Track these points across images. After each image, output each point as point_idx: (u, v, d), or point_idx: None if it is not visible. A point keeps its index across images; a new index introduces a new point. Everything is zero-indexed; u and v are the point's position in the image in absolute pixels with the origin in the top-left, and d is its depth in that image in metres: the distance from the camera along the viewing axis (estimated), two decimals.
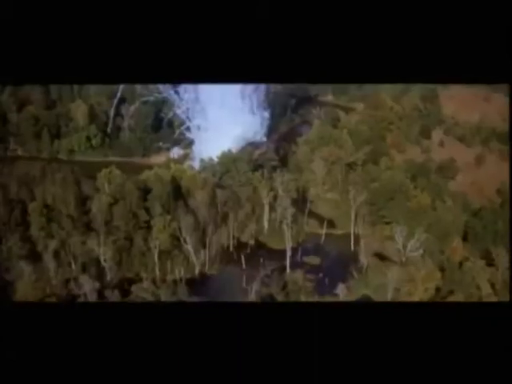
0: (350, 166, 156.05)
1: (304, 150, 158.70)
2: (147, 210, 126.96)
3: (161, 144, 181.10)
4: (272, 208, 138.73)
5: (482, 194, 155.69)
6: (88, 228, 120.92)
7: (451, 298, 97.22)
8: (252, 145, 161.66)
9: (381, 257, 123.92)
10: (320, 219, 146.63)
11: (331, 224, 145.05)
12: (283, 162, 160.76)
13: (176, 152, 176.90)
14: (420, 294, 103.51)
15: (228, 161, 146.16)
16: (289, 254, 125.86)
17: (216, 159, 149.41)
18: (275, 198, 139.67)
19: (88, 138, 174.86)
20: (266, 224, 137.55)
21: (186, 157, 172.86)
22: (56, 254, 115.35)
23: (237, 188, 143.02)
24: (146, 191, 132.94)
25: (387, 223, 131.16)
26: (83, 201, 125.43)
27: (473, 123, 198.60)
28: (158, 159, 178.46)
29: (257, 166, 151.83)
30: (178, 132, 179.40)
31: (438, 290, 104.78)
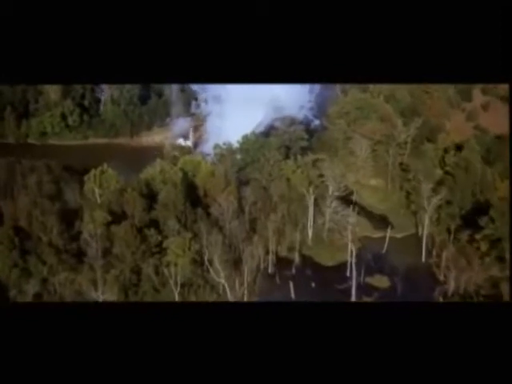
0: (399, 145, 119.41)
1: (340, 125, 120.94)
2: (156, 226, 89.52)
3: (168, 120, 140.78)
4: (316, 208, 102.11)
5: None
6: (79, 260, 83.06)
7: None
8: (284, 121, 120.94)
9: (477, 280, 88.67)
10: (370, 216, 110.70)
11: (385, 222, 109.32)
12: (313, 141, 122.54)
13: (177, 130, 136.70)
14: None
15: (253, 147, 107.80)
16: (354, 276, 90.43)
17: (237, 144, 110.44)
18: (314, 192, 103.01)
19: (63, 116, 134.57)
20: (310, 231, 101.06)
21: (194, 136, 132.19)
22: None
23: (267, 183, 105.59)
24: (151, 196, 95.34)
25: (477, 231, 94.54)
26: (69, 219, 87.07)
27: None
28: (151, 139, 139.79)
29: (284, 149, 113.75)
30: (182, 103, 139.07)
31: None
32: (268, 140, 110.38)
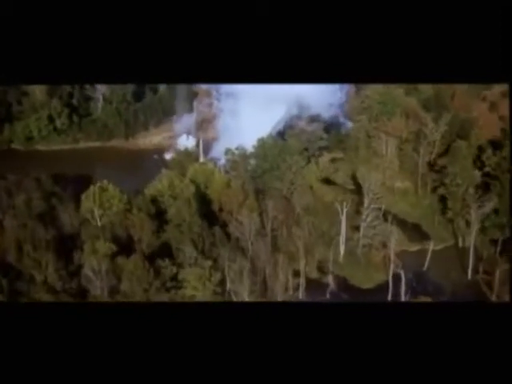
0: (429, 143, 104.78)
1: (361, 122, 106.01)
2: (169, 252, 74.61)
3: (166, 118, 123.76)
4: (349, 221, 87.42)
5: None
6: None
7: None
8: (309, 121, 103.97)
9: None
10: (403, 226, 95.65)
11: (420, 232, 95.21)
12: (331, 140, 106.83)
13: (179, 130, 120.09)
14: None
15: (271, 152, 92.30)
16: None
17: (251, 149, 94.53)
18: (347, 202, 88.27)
19: (50, 118, 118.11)
20: (341, 248, 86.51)
21: (199, 137, 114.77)
22: None
23: (288, 193, 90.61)
24: (159, 214, 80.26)
25: None
26: (66, 250, 71.63)
27: None
28: (148, 141, 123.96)
29: (306, 153, 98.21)
30: (183, 98, 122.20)
31: None
32: (288, 143, 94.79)
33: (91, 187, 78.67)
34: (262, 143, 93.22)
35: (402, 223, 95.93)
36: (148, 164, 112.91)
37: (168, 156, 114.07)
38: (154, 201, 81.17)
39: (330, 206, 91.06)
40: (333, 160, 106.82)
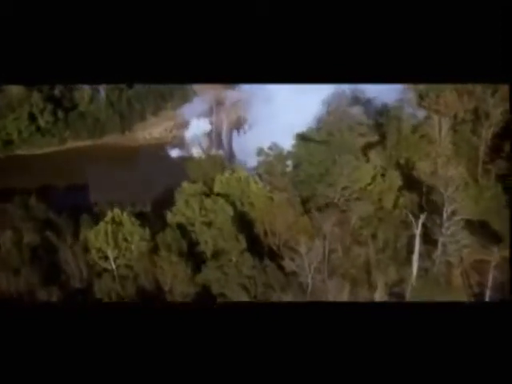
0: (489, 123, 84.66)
1: (406, 100, 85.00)
2: (210, 299, 54.27)
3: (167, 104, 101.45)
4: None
5: None
6: None
7: None
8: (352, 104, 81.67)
9: None
10: (470, 226, 75.57)
11: (491, 233, 75.91)
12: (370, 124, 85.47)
13: (187, 117, 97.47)
14: None
15: (315, 150, 70.75)
16: None
17: (289, 147, 72.69)
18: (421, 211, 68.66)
19: (32, 117, 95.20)
20: (414, 268, 66.84)
21: (215, 131, 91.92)
22: None
23: (341, 202, 70.06)
24: (190, 249, 59.44)
25: None
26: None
27: None
28: (148, 134, 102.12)
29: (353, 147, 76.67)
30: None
31: None
32: (336, 138, 73.36)
33: (101, 224, 56.90)
34: (301, 139, 71.89)
35: (470, 224, 76.31)
36: (154, 165, 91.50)
37: (174, 153, 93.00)
38: (183, 232, 60.01)
39: (391, 213, 71.65)
40: (368, 146, 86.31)
